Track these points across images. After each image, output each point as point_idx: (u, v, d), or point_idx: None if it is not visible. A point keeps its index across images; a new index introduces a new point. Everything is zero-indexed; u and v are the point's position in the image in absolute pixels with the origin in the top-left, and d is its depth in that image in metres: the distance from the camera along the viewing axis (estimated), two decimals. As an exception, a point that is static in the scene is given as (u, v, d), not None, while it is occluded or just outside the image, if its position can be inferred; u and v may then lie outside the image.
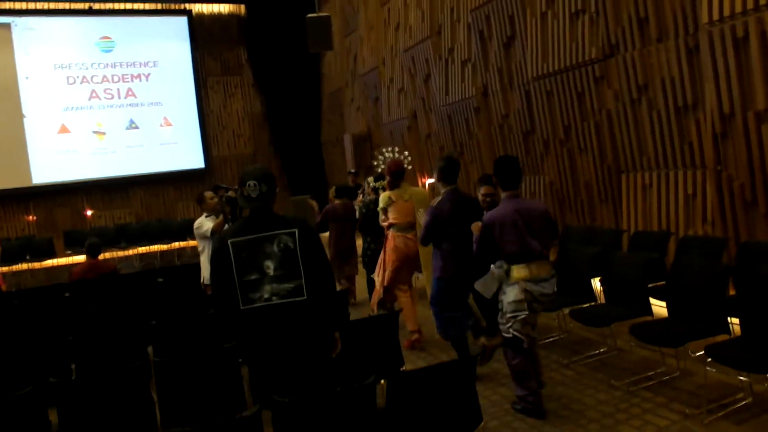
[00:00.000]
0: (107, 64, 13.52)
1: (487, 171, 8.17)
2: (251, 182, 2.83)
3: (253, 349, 2.86)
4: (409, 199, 5.09)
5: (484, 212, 4.54)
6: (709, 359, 3.33)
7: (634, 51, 5.55)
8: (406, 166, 5.39)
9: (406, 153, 5.62)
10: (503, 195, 3.59)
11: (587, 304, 4.57)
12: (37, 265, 10.98)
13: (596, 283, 4.79)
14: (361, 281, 6.54)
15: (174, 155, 14.21)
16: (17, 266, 10.77)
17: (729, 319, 3.62)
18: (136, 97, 13.83)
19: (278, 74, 14.46)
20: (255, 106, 15.20)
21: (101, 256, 6.88)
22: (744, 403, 3.45)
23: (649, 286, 4.31)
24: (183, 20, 14.19)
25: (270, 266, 2.80)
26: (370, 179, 5.90)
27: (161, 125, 14.14)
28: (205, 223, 5.40)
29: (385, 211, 5.17)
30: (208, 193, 5.69)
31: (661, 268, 4.66)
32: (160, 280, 6.33)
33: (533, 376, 3.61)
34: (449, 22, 8.45)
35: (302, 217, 3.03)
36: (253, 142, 15.21)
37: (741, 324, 3.52)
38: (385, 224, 5.20)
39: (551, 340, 4.94)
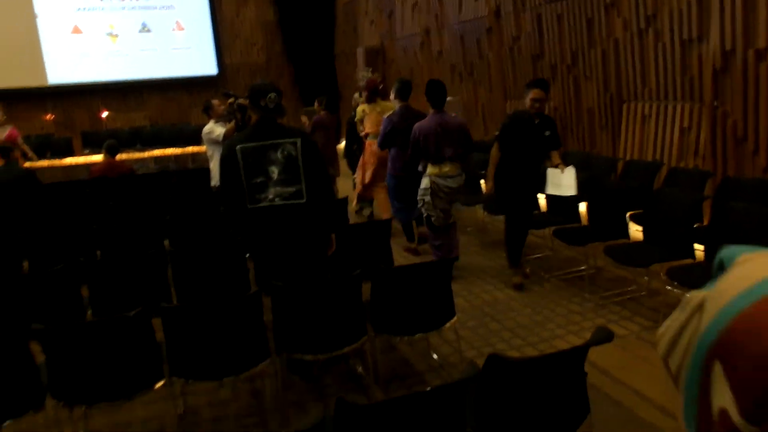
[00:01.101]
0: (119, -37, 13.24)
1: (496, 94, 8.27)
2: (272, 94, 3.10)
3: (257, 243, 3.23)
4: (381, 111, 5.76)
5: (533, 117, 4.39)
6: (674, 281, 3.67)
7: (647, -22, 5.51)
8: (378, 85, 6.13)
9: (377, 74, 6.24)
10: (431, 111, 4.55)
11: (572, 225, 4.89)
12: (57, 162, 11.39)
13: (583, 207, 5.09)
14: (344, 181, 7.52)
15: (187, 61, 14.19)
16: (39, 163, 11.18)
17: (697, 246, 3.93)
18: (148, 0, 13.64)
19: (293, -19, 14.11)
20: (268, 14, 14.94)
21: (118, 157, 7.22)
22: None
23: (631, 213, 4.60)
24: None
25: (275, 171, 3.11)
26: (357, 95, 6.81)
27: (173, 29, 14.02)
28: (215, 129, 5.63)
29: (361, 121, 6.01)
30: (216, 101, 5.94)
31: (647, 196, 4.92)
32: (174, 180, 6.71)
33: (453, 249, 4.78)
34: (468, -64, 8.23)
35: (301, 129, 3.30)
36: (265, 52, 15.09)
37: (705, 251, 3.84)
38: (362, 134, 6.02)
39: (537, 256, 5.31)
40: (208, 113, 5.92)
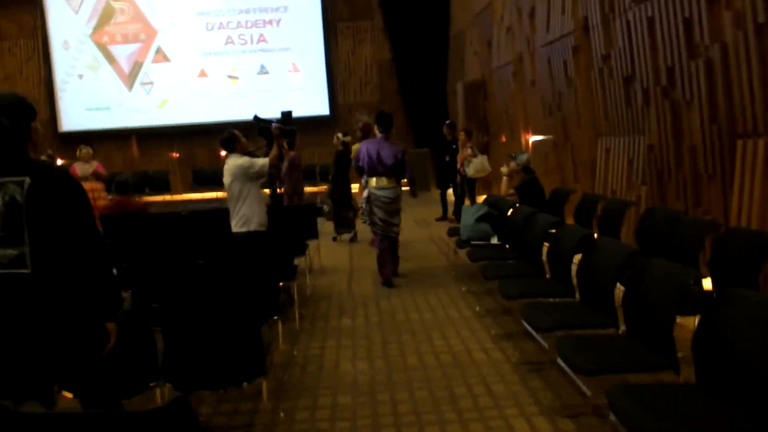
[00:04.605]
0: (242, 10, 13.76)
1: (585, 130, 6.43)
2: None
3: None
4: None
5: None
6: None
7: (765, -53, 3.57)
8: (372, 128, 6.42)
9: (372, 116, 6.45)
10: (379, 135, 5.51)
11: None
12: (168, 197, 12.18)
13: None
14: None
15: (301, 101, 14.09)
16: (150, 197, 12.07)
17: None
18: (267, 43, 13.94)
19: (409, 17, 13.39)
20: (384, 53, 14.39)
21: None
22: None
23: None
24: (314, -37, 13.80)
25: (-7, 223, 2.10)
26: (340, 134, 7.60)
27: (290, 71, 14.14)
28: (255, 161, 4.74)
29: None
30: (238, 132, 5.00)
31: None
32: (186, 222, 6.10)
33: (390, 261, 5.50)
34: (555, -63, 6.67)
35: (47, 163, 2.25)
36: (379, 91, 14.51)
37: None
38: None
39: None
40: (233, 147, 4.92)
